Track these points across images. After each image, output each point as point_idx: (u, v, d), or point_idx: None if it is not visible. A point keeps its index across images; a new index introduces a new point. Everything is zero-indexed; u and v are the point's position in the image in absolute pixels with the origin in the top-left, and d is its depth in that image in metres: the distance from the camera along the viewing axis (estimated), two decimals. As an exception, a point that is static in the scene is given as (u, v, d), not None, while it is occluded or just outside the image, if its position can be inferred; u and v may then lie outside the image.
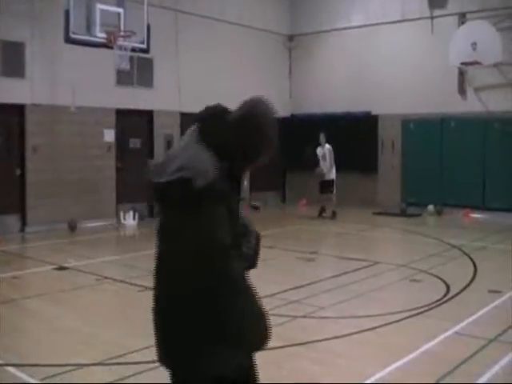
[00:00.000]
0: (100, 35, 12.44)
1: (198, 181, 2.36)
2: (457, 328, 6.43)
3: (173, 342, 2.59)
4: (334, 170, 15.65)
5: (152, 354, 5.59)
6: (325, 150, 15.49)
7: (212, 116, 2.69)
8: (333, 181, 15.67)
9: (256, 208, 15.04)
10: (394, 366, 5.36)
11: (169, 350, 2.63)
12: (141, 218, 14.74)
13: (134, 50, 13.11)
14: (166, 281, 2.59)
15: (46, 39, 13.19)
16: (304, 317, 6.91)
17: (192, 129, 2.69)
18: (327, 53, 18.98)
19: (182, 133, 16.86)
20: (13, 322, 6.77)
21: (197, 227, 2.40)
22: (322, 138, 15.51)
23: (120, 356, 5.62)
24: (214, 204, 2.41)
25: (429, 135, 16.70)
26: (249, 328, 2.56)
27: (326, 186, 15.62)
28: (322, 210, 15.70)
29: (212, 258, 2.42)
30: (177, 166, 2.43)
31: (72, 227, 13.37)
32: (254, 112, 2.66)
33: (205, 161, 2.45)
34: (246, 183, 18.41)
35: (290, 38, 19.80)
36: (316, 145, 15.65)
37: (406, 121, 17.14)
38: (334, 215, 15.48)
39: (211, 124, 2.63)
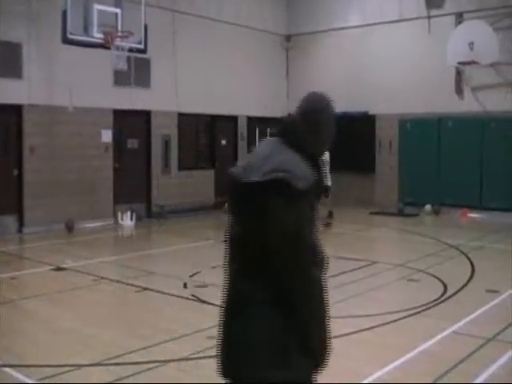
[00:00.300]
0: (97, 35, 12.43)
1: (297, 182, 2.43)
2: (455, 327, 6.44)
3: (241, 347, 2.56)
4: (329, 177, 15.59)
5: (150, 354, 5.66)
6: (323, 158, 15.41)
7: (290, 123, 2.74)
8: (329, 187, 15.63)
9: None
10: (392, 365, 5.37)
11: (235, 356, 2.58)
12: (138, 219, 14.74)
13: (131, 50, 13.10)
14: (242, 279, 2.60)
15: (43, 40, 13.17)
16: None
17: (272, 138, 2.74)
18: (324, 53, 18.99)
19: (180, 133, 16.83)
20: (11, 323, 6.77)
21: (288, 224, 2.44)
22: None
23: (118, 356, 5.63)
24: (306, 206, 2.49)
25: (426, 135, 16.71)
26: (317, 337, 2.55)
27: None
28: None
29: (298, 256, 2.45)
30: (272, 167, 2.49)
31: (69, 228, 13.36)
32: (314, 107, 2.76)
33: (301, 165, 2.54)
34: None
35: (287, 38, 19.80)
36: None
37: (403, 121, 17.15)
38: (330, 215, 15.48)
39: (293, 130, 2.70)
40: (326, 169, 15.36)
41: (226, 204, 2.78)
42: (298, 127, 2.69)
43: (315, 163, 2.65)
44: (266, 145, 2.72)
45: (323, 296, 2.54)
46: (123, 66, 13.16)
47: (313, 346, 2.54)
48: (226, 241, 2.73)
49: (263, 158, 2.58)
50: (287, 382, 2.50)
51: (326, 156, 15.50)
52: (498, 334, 6.21)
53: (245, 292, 2.57)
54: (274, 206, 2.44)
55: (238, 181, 2.60)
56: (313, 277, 2.49)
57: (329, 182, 15.66)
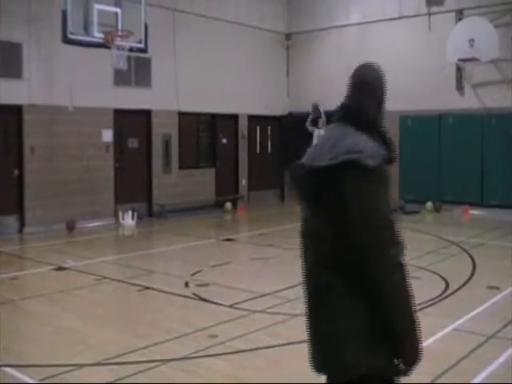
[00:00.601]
0: (97, 35, 12.45)
1: (369, 161, 2.44)
2: (455, 325, 6.44)
3: (325, 339, 2.54)
4: None
5: (151, 353, 5.67)
6: (320, 132, 15.33)
7: (349, 106, 2.75)
8: None
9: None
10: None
11: (321, 350, 2.58)
12: (139, 218, 14.74)
13: (131, 49, 13.11)
14: (320, 272, 2.58)
15: (43, 40, 13.17)
16: (303, 315, 6.90)
17: (335, 124, 2.74)
18: (324, 51, 18.96)
19: (181, 132, 16.85)
20: (12, 323, 6.77)
21: (365, 203, 2.44)
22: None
23: (119, 356, 5.63)
24: (380, 184, 2.50)
25: (427, 132, 16.70)
26: (402, 326, 2.49)
27: None
28: None
29: (378, 236, 2.44)
30: (342, 150, 2.49)
31: (70, 227, 13.37)
32: (363, 79, 2.79)
33: (370, 143, 2.54)
34: (244, 182, 18.42)
35: (288, 36, 19.78)
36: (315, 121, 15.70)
37: (403, 118, 17.13)
38: None
39: (354, 112, 2.70)
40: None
41: (297, 199, 2.75)
42: (356, 107, 2.69)
43: (383, 138, 2.65)
44: (332, 131, 2.71)
45: (405, 278, 2.48)
46: (123, 65, 13.17)
47: (399, 338, 2.47)
48: (301, 236, 2.72)
49: (332, 145, 2.57)
50: (374, 373, 2.48)
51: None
52: (498, 331, 6.21)
53: (325, 284, 2.55)
54: (349, 188, 2.44)
55: (309, 169, 2.59)
56: (393, 256, 2.46)
57: None
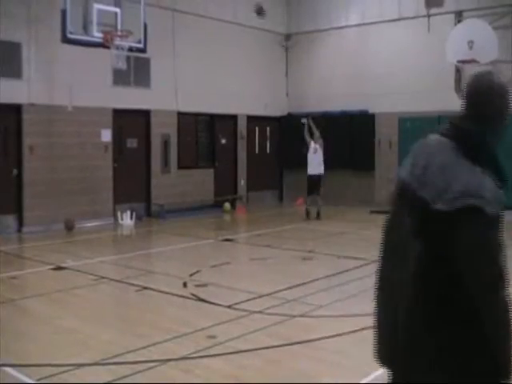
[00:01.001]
0: (97, 35, 12.43)
1: (490, 209, 2.28)
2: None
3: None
4: (322, 167, 15.26)
5: (150, 353, 5.66)
6: (316, 146, 15.27)
7: (464, 125, 2.50)
8: (320, 178, 15.24)
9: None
10: (391, 364, 5.36)
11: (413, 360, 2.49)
12: (138, 218, 14.74)
13: (130, 49, 13.09)
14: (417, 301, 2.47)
15: (42, 39, 13.17)
16: (302, 316, 6.92)
17: (439, 138, 2.59)
18: (324, 51, 18.98)
19: (180, 132, 16.81)
20: (10, 323, 6.76)
21: (481, 254, 2.32)
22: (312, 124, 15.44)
23: (118, 356, 5.62)
24: (496, 228, 2.34)
25: (426, 133, 16.61)
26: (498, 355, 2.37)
27: (313, 184, 15.20)
28: (308, 213, 15.39)
29: (489, 282, 2.31)
30: (459, 190, 2.32)
31: (69, 227, 13.37)
32: (479, 96, 2.49)
33: (488, 184, 2.35)
34: (242, 183, 18.42)
35: (287, 36, 19.79)
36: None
37: (402, 119, 17.15)
38: (318, 216, 15.26)
39: (469, 136, 2.45)
40: (321, 155, 15.14)
41: (388, 216, 2.61)
42: (472, 136, 2.44)
43: (495, 167, 2.41)
44: (437, 149, 2.53)
45: (510, 316, 2.35)
46: (123, 65, 13.14)
47: (498, 363, 2.37)
48: (383, 244, 2.67)
49: (439, 169, 2.40)
50: None
51: (321, 143, 15.32)
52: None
53: (413, 295, 2.46)
54: (465, 229, 2.30)
55: (415, 195, 2.43)
56: (503, 297, 2.32)
57: (321, 171, 15.35)
